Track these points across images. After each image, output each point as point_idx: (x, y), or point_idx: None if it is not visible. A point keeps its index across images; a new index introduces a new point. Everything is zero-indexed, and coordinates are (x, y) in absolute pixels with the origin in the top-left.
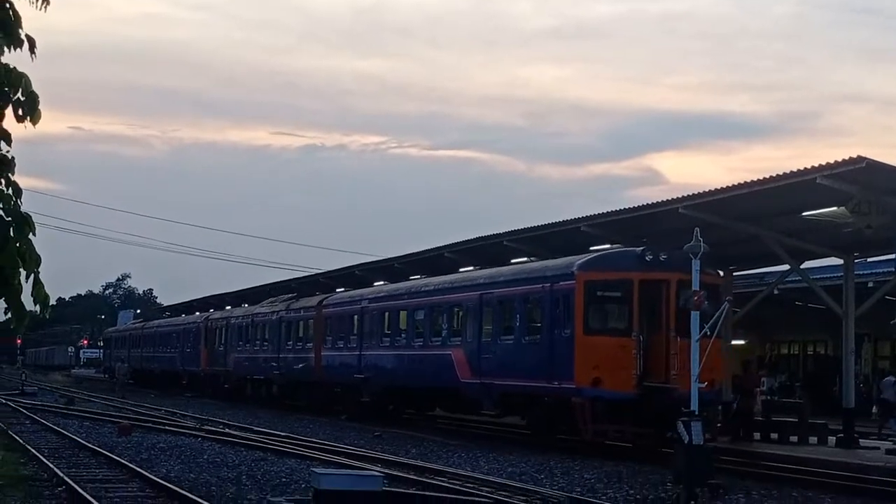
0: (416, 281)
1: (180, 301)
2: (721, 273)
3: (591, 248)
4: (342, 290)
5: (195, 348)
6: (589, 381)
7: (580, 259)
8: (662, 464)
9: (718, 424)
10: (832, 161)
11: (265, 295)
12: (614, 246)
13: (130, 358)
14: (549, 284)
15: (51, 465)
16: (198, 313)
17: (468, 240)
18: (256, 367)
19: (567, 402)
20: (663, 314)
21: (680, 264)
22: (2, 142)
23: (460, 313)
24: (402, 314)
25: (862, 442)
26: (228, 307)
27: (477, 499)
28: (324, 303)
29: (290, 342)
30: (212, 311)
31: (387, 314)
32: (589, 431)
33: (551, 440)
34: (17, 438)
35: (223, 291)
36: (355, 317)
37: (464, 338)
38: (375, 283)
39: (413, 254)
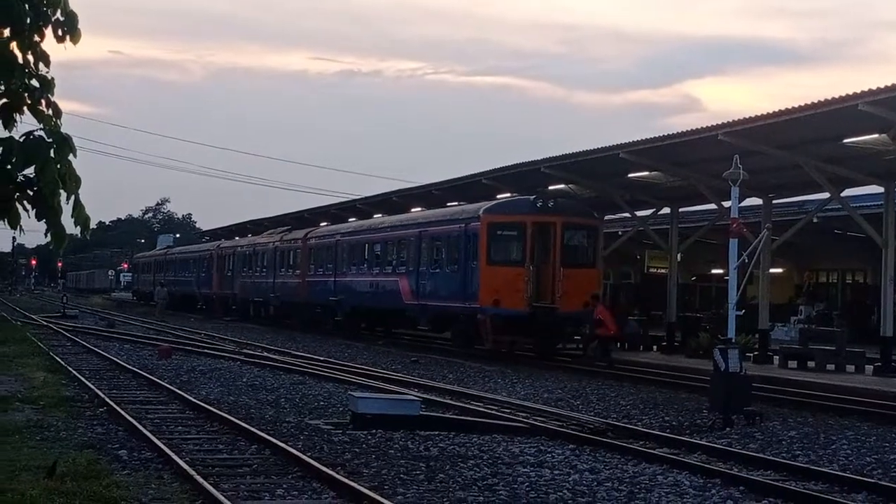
0: (376, 219)
1: (219, 226)
2: (595, 215)
3: (630, 175)
4: (380, 216)
5: (209, 273)
6: (490, 302)
7: (486, 205)
8: (699, 391)
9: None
10: (874, 88)
11: (303, 220)
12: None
13: (155, 282)
14: (463, 225)
15: (92, 387)
16: (212, 241)
17: (505, 166)
18: (257, 290)
19: (474, 319)
20: (551, 249)
21: (565, 209)
22: (41, 63)
23: (405, 247)
24: (366, 246)
25: None
26: (270, 231)
27: (513, 423)
28: (308, 235)
29: (283, 269)
30: (223, 240)
31: (355, 246)
32: (490, 341)
33: (470, 351)
34: (59, 360)
35: (261, 217)
36: (331, 248)
37: (407, 267)
38: (413, 209)
39: (450, 180)
